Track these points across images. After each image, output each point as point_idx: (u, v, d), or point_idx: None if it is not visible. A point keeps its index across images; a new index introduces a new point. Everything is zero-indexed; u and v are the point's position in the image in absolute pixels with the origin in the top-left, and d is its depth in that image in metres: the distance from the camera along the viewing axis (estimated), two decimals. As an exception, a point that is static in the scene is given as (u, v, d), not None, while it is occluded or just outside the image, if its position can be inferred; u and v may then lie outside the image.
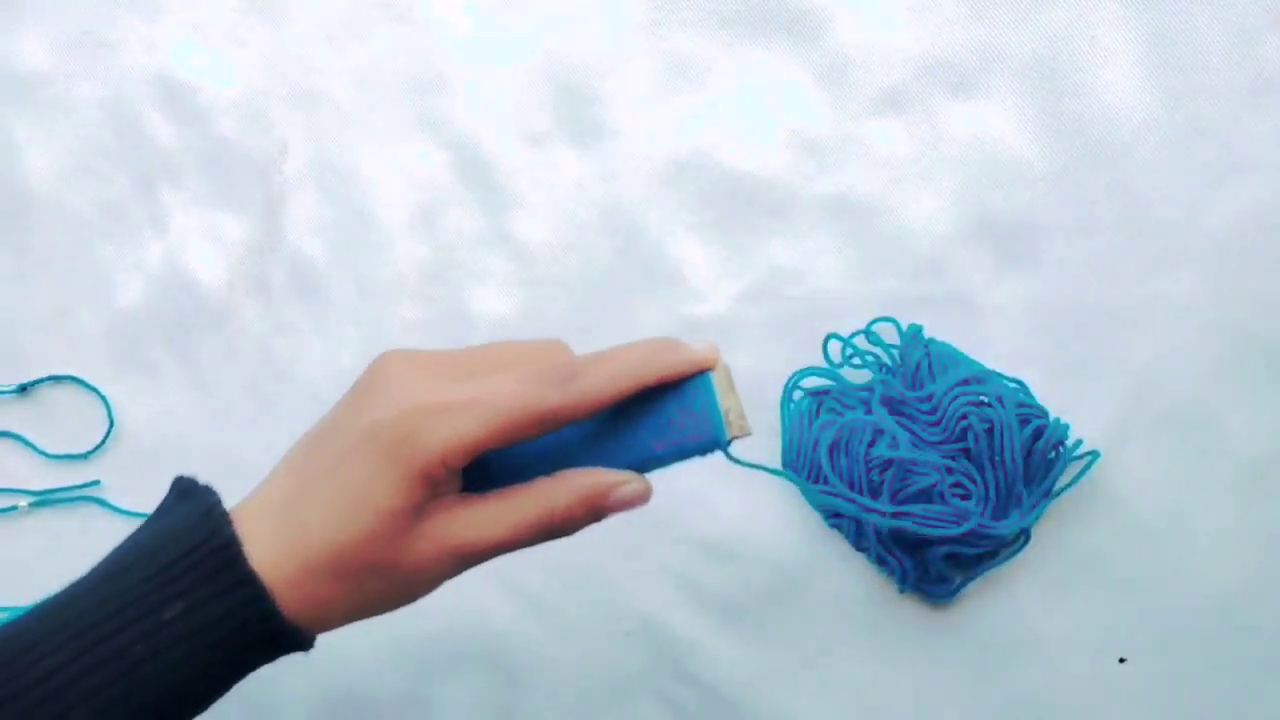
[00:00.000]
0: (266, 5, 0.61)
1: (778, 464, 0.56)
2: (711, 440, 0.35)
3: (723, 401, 0.35)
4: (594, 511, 0.35)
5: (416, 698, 0.57)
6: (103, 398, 0.60)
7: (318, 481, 0.34)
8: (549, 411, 0.33)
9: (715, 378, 0.35)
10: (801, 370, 0.56)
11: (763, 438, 0.56)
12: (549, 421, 0.33)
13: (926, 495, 0.52)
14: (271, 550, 0.33)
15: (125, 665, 0.31)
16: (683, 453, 0.36)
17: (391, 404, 0.33)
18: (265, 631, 0.33)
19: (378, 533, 0.32)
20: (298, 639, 0.34)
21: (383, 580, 0.33)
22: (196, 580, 0.32)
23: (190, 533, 0.33)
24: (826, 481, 0.53)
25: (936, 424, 0.53)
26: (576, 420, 0.34)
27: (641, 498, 0.35)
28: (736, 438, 0.35)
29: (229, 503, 0.36)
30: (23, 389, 0.60)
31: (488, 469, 0.35)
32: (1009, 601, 0.54)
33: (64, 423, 0.60)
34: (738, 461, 0.37)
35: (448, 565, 0.34)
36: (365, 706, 0.57)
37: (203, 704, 0.34)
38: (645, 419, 0.35)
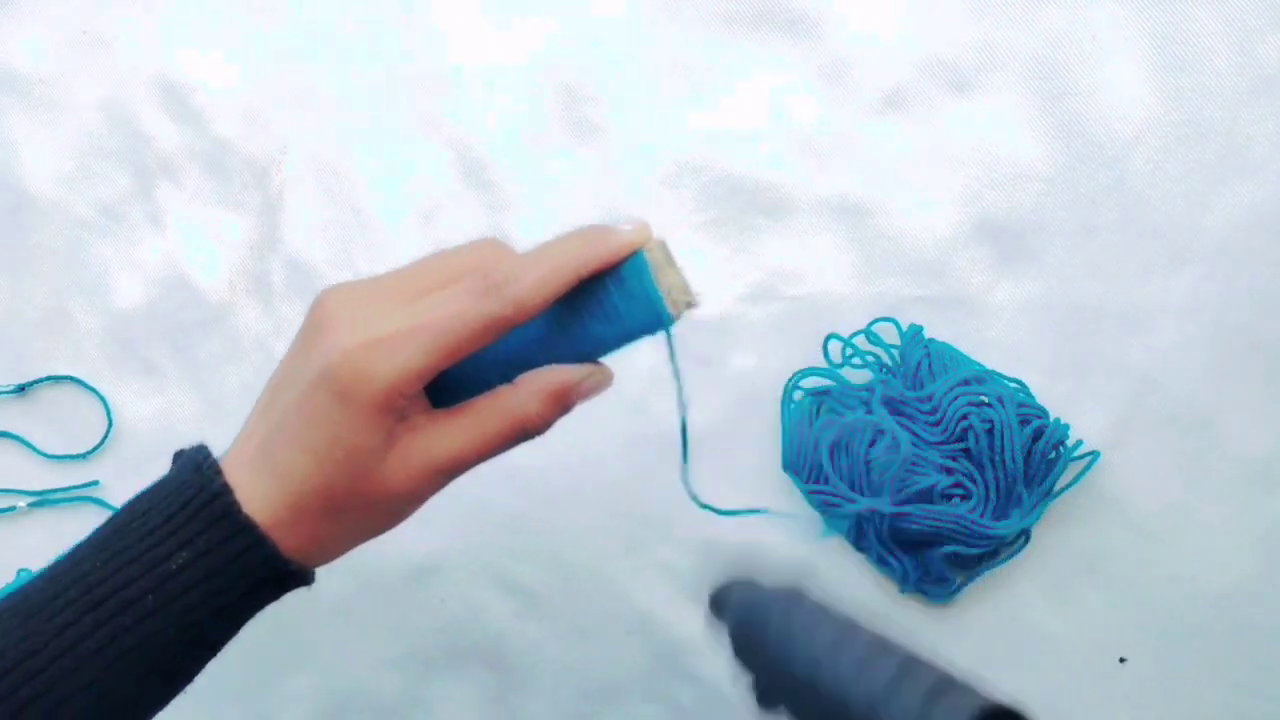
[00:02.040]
0: (266, 5, 0.60)
1: (777, 464, 0.56)
2: (654, 321, 0.35)
3: (661, 279, 0.35)
4: (560, 408, 0.35)
5: (416, 698, 0.57)
6: (102, 398, 0.60)
7: (284, 427, 0.34)
8: (491, 323, 0.33)
9: (650, 257, 0.35)
10: (802, 370, 0.56)
11: (763, 438, 0.56)
12: (492, 333, 0.33)
13: (927, 495, 0.52)
14: (259, 496, 0.34)
15: (137, 616, 0.32)
16: (630, 336, 0.36)
17: (337, 344, 0.33)
18: (269, 573, 0.34)
19: (350, 470, 0.33)
20: (300, 576, 0.35)
21: (369, 509, 0.34)
22: (197, 530, 0.33)
23: (185, 486, 0.34)
24: (827, 481, 0.53)
25: (937, 424, 0.53)
26: (520, 324, 0.34)
27: (603, 385, 0.36)
28: (684, 311, 0.35)
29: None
30: (22, 389, 0.60)
31: (447, 380, 0.35)
32: (1009, 601, 0.54)
33: (63, 423, 0.60)
34: (719, 511, 0.38)
35: (426, 483, 0.35)
36: (365, 706, 0.57)
37: (215, 648, 0.35)
38: (590, 309, 0.35)
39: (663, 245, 0.35)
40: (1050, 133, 0.56)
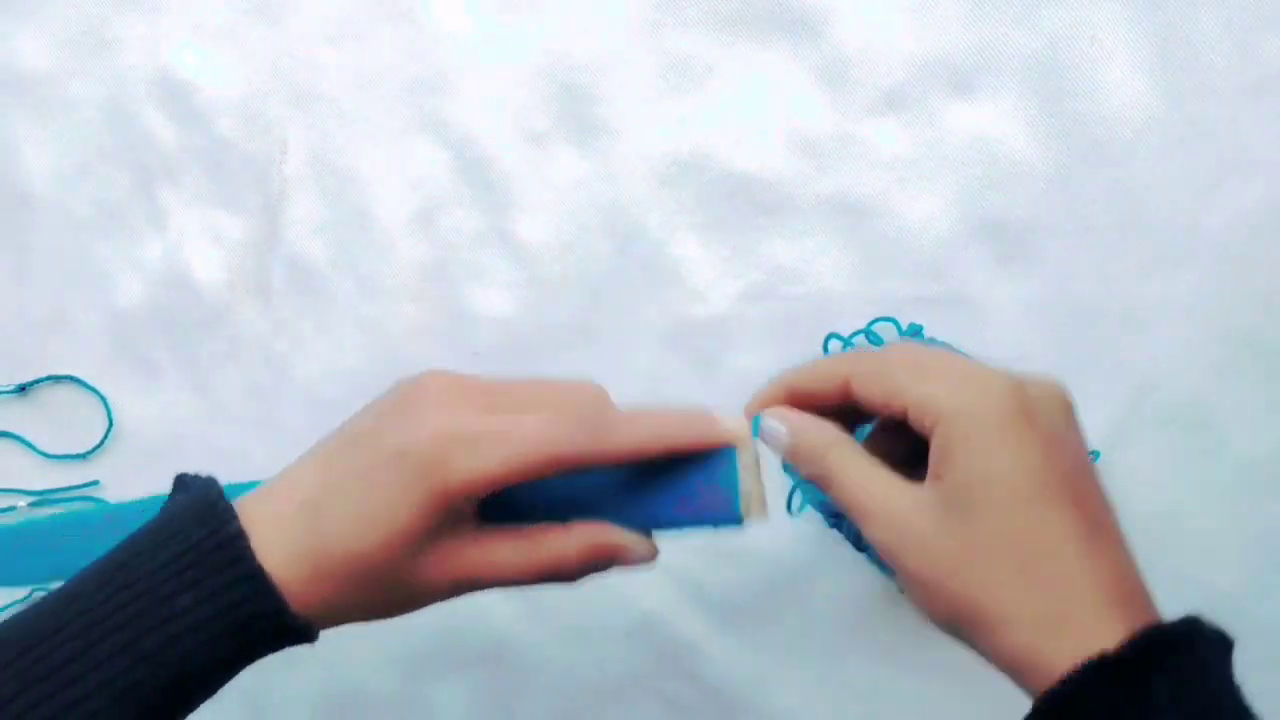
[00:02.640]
0: (266, 5, 0.60)
1: (778, 464, 0.56)
2: (729, 518, 0.35)
3: (744, 482, 0.35)
4: (600, 567, 0.36)
5: (416, 698, 0.57)
6: (102, 398, 0.60)
7: (342, 489, 0.34)
8: (575, 456, 0.34)
9: (741, 456, 0.35)
10: (801, 370, 0.56)
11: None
12: (573, 465, 0.34)
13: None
14: (284, 548, 0.34)
15: (136, 657, 0.32)
16: (697, 523, 0.36)
17: (426, 425, 0.34)
18: (274, 626, 0.33)
19: (393, 549, 0.33)
20: (305, 633, 0.34)
21: (389, 592, 0.35)
22: (205, 572, 0.33)
23: (196, 525, 0.34)
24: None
25: (936, 424, 0.53)
26: (599, 467, 0.35)
27: (646, 560, 0.36)
28: (753, 520, 0.36)
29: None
30: (22, 389, 0.60)
31: (505, 497, 0.36)
32: (1009, 601, 0.54)
33: (63, 423, 0.60)
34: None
35: (452, 587, 0.35)
36: (365, 706, 0.57)
37: (210, 690, 0.35)
38: (666, 483, 0.36)
39: (756, 453, 0.36)
40: (1050, 133, 0.56)
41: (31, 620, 0.33)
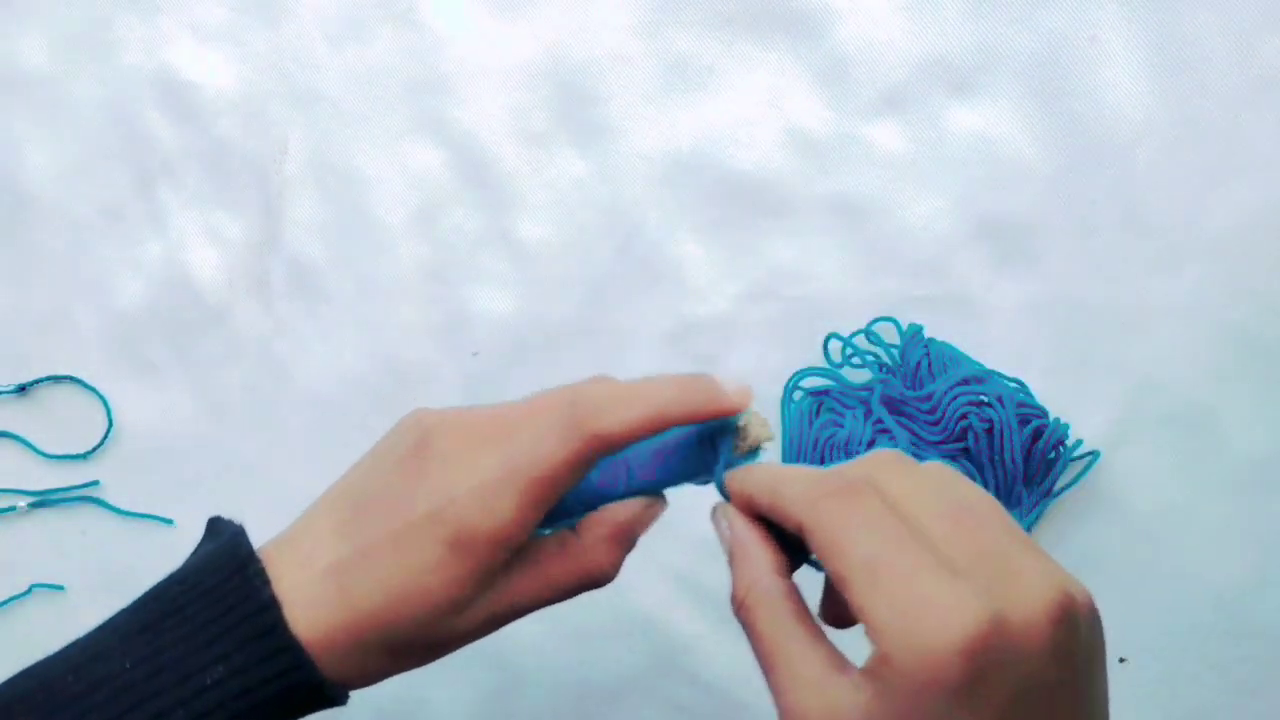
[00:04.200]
0: (266, 5, 0.60)
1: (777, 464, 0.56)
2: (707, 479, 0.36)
3: (753, 429, 0.35)
4: (626, 549, 0.35)
5: (416, 698, 0.57)
6: (102, 398, 0.60)
7: (370, 557, 0.33)
8: (576, 459, 0.32)
9: (745, 419, 0.35)
10: (801, 370, 0.56)
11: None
12: (580, 468, 0.33)
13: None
14: (317, 618, 0.32)
15: None
16: (698, 477, 0.36)
17: (445, 488, 0.32)
18: (308, 696, 0.33)
19: (430, 617, 0.33)
20: (337, 699, 0.34)
21: (425, 653, 0.34)
22: (236, 643, 0.32)
23: (227, 589, 0.33)
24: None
25: (936, 424, 0.53)
26: (605, 455, 0.33)
27: (659, 514, 0.36)
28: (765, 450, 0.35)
29: (240, 515, 0.36)
30: (22, 389, 0.60)
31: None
32: (1009, 601, 0.54)
33: (63, 423, 0.60)
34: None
35: (484, 630, 0.35)
36: (365, 706, 0.57)
37: None
38: (667, 452, 0.36)
39: (760, 418, 0.35)
40: (1050, 133, 0.56)
41: (56, 679, 0.32)
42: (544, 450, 0.32)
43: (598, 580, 0.35)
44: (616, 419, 0.32)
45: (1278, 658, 0.53)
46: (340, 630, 0.32)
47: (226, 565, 0.33)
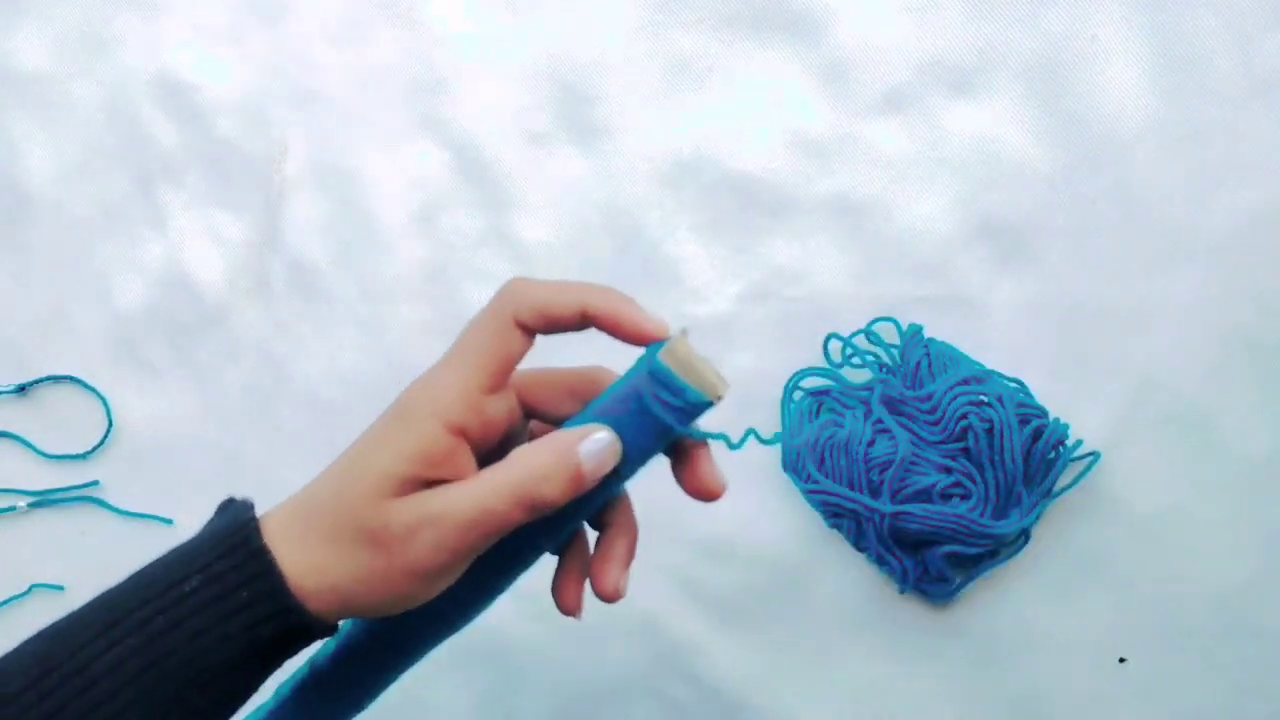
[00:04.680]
0: (266, 5, 0.60)
1: (778, 464, 0.56)
2: (694, 404, 0.34)
3: (695, 363, 0.33)
4: (568, 468, 0.34)
5: (417, 697, 0.57)
6: (102, 398, 0.60)
7: (337, 462, 0.35)
8: (500, 337, 0.35)
9: (671, 344, 0.34)
10: (802, 370, 0.56)
11: (772, 445, 0.56)
12: (506, 345, 0.35)
13: (926, 495, 0.52)
14: (283, 523, 0.34)
15: (146, 637, 0.32)
16: (666, 430, 0.34)
17: (406, 394, 0.35)
18: (276, 606, 0.33)
19: (372, 493, 0.33)
20: (305, 617, 0.34)
21: (375, 551, 0.33)
22: (214, 557, 0.33)
23: (217, 526, 0.35)
24: (827, 479, 0.53)
25: (936, 423, 0.53)
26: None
27: (612, 448, 0.34)
28: (721, 394, 0.34)
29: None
30: (22, 389, 0.60)
31: None
32: (1009, 601, 0.54)
33: (63, 423, 0.60)
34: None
35: (432, 540, 0.33)
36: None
37: (224, 689, 0.34)
38: (624, 411, 0.35)
39: (684, 336, 0.34)
40: (1050, 133, 0.56)
41: (67, 615, 0.34)
42: (473, 336, 0.35)
43: (538, 492, 0.33)
44: (532, 299, 0.34)
45: (1278, 658, 0.53)
46: (295, 522, 0.34)
47: (224, 514, 0.35)
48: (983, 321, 0.56)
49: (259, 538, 0.33)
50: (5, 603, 0.59)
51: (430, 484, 0.34)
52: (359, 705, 0.40)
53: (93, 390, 0.60)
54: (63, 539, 0.60)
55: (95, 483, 0.60)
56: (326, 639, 0.37)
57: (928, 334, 0.55)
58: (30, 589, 0.59)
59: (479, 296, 0.59)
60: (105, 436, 0.60)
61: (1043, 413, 0.53)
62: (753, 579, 0.56)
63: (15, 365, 0.60)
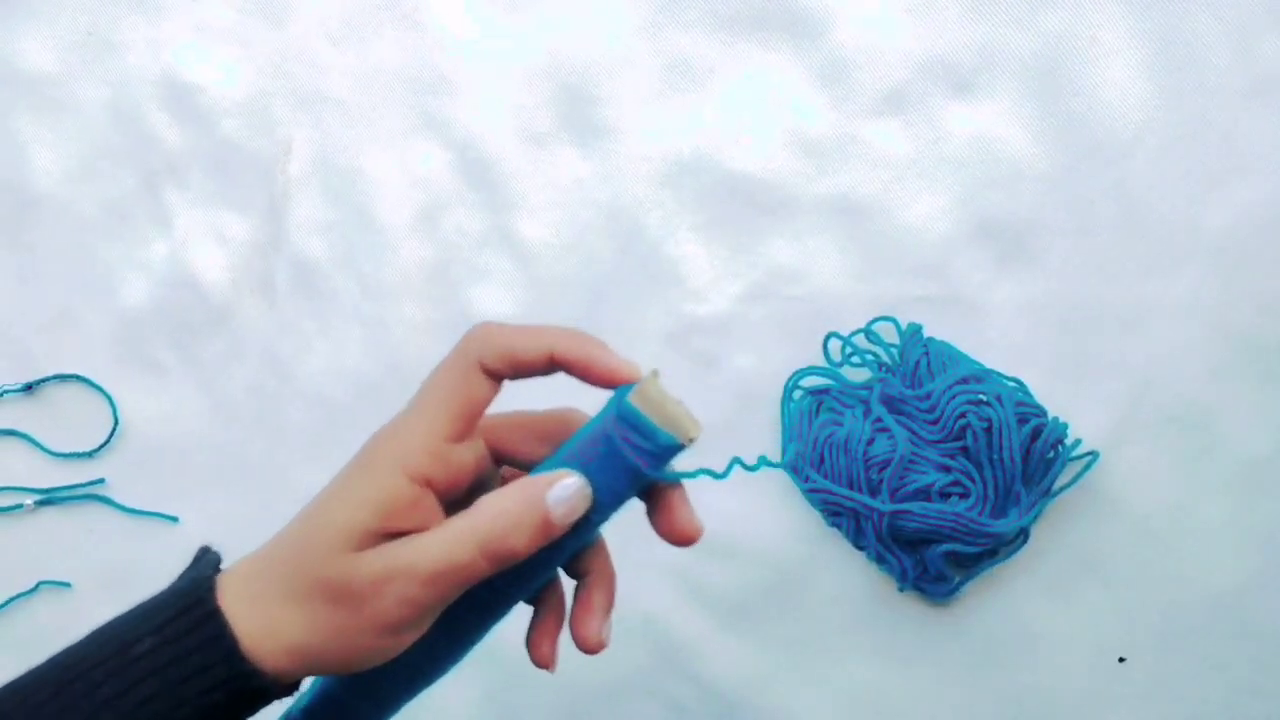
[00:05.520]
0: (270, 6, 0.61)
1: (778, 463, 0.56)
2: (666, 448, 0.33)
3: (664, 411, 0.32)
4: (535, 516, 0.33)
5: (417, 697, 0.57)
6: (108, 396, 0.60)
7: (299, 517, 0.34)
8: (465, 386, 0.34)
9: (642, 386, 0.33)
10: (801, 370, 0.56)
11: (763, 437, 0.56)
12: (471, 393, 0.34)
13: (925, 494, 0.52)
14: (240, 582, 0.33)
15: (96, 703, 0.31)
16: (639, 476, 0.33)
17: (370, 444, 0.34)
18: (228, 672, 0.32)
19: (333, 546, 0.32)
20: (259, 681, 0.32)
21: (337, 607, 0.32)
22: (168, 618, 0.32)
23: (178, 585, 0.34)
24: (827, 478, 0.54)
25: (935, 422, 0.53)
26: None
27: (582, 493, 0.33)
28: (694, 437, 0.33)
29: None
30: (28, 388, 0.60)
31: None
32: (1008, 600, 0.54)
33: (69, 421, 0.60)
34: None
35: (397, 593, 0.32)
36: (367, 704, 0.57)
37: None
38: (595, 458, 0.33)
39: (655, 377, 0.33)
40: (1050, 133, 0.56)
41: (31, 671, 0.33)
42: (438, 383, 0.34)
43: (504, 540, 0.32)
44: (498, 344, 0.34)
45: (1278, 658, 0.53)
46: (253, 583, 0.33)
47: (189, 570, 0.34)
48: (982, 321, 0.56)
49: (213, 599, 0.32)
50: (12, 600, 0.60)
51: (395, 535, 0.32)
52: None
53: (99, 389, 0.60)
54: (69, 537, 0.60)
55: (101, 481, 0.60)
56: (297, 694, 0.35)
57: (927, 333, 0.55)
58: (37, 586, 0.60)
59: (481, 296, 0.59)
60: (111, 435, 0.60)
61: (1042, 412, 0.53)
62: (753, 578, 0.56)
63: (22, 364, 0.61)
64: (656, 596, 0.56)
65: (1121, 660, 0.54)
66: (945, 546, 0.52)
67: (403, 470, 0.32)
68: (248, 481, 0.60)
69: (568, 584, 0.37)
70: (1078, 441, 0.54)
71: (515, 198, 0.59)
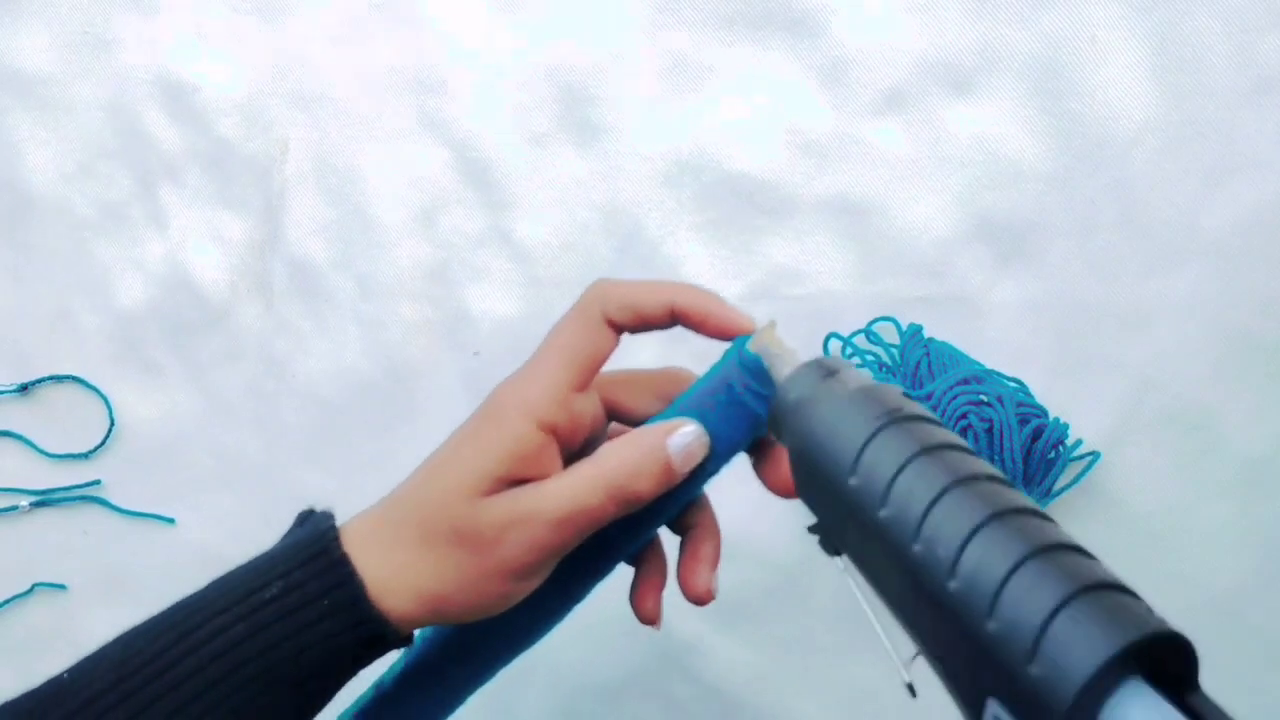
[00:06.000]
0: (267, 6, 0.61)
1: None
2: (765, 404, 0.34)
3: (781, 351, 0.33)
4: (658, 461, 0.34)
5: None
6: (104, 397, 0.60)
7: (423, 463, 0.35)
8: (589, 336, 0.35)
9: (759, 336, 0.34)
10: (801, 370, 0.56)
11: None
12: (595, 344, 0.35)
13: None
14: (365, 532, 0.34)
15: (226, 644, 0.33)
16: (755, 422, 0.35)
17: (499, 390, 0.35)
18: (356, 617, 0.33)
19: (459, 492, 0.33)
20: (383, 627, 0.34)
21: (466, 551, 0.33)
22: (294, 565, 0.34)
23: (299, 535, 0.35)
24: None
25: (936, 424, 0.53)
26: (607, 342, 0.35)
27: (700, 440, 0.35)
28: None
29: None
30: (24, 388, 0.60)
31: None
32: (1009, 601, 0.54)
33: (65, 422, 0.60)
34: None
35: (524, 537, 0.33)
36: (366, 706, 0.57)
37: (301, 695, 0.34)
38: (712, 405, 0.35)
39: (772, 327, 0.34)
40: (1050, 133, 0.56)
41: (149, 619, 0.34)
42: (562, 335, 0.35)
43: (630, 486, 0.33)
44: (621, 297, 0.35)
45: (1278, 658, 0.53)
46: (382, 528, 0.34)
47: (306, 525, 0.35)
48: (983, 321, 0.56)
49: (339, 547, 0.33)
50: (8, 601, 0.59)
51: (519, 483, 0.34)
52: None
53: (94, 390, 0.60)
54: (65, 538, 0.60)
55: (97, 482, 0.60)
56: (396, 656, 0.36)
57: (928, 334, 0.55)
58: (33, 588, 0.59)
59: (479, 296, 0.59)
60: (107, 436, 0.60)
61: (1042, 412, 0.53)
62: (753, 579, 0.56)
63: (17, 364, 0.60)
64: (656, 597, 0.56)
65: (1122, 660, 0.54)
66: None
67: (531, 418, 0.33)
68: (245, 482, 0.60)
69: (668, 543, 0.38)
70: (1078, 442, 0.54)
71: (513, 197, 0.59)
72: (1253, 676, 0.54)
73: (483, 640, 0.37)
